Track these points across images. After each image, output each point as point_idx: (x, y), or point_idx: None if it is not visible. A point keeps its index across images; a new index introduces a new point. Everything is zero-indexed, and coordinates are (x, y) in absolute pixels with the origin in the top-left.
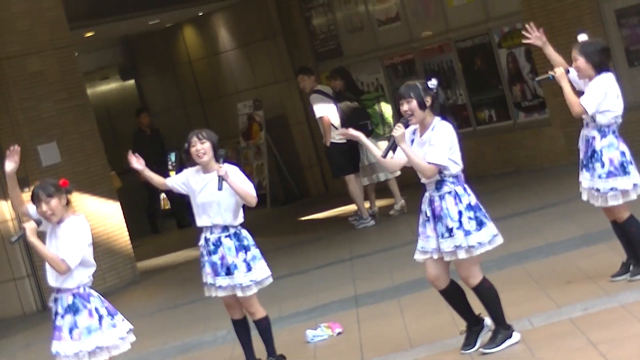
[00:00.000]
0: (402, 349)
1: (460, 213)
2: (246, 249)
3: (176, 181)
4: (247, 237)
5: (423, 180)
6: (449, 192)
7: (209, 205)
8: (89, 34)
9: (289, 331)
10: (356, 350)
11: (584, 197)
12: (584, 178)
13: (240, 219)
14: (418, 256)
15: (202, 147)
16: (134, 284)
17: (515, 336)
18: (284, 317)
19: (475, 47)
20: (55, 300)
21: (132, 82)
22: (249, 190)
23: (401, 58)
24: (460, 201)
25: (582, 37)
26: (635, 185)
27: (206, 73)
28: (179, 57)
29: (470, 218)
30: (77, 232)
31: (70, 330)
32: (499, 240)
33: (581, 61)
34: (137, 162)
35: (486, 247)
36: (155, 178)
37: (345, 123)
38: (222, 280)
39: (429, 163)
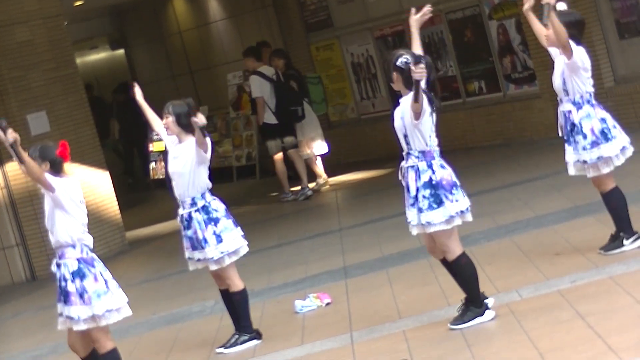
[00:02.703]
0: (391, 320)
1: (417, 189)
2: (215, 221)
3: (167, 139)
4: (218, 208)
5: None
6: (412, 166)
7: (173, 176)
8: (78, 3)
9: (277, 302)
10: (345, 321)
11: (571, 171)
12: (569, 152)
13: (205, 187)
14: (410, 229)
15: (165, 121)
16: (122, 254)
17: (488, 314)
18: (273, 287)
19: (466, 18)
20: (58, 265)
21: (121, 52)
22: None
23: (391, 29)
24: (419, 177)
25: (561, 6)
26: (623, 147)
27: (196, 43)
28: (169, 28)
29: (424, 196)
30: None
31: (81, 295)
32: (457, 221)
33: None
34: (138, 94)
35: (441, 227)
36: (150, 116)
37: (279, 105)
38: (199, 254)
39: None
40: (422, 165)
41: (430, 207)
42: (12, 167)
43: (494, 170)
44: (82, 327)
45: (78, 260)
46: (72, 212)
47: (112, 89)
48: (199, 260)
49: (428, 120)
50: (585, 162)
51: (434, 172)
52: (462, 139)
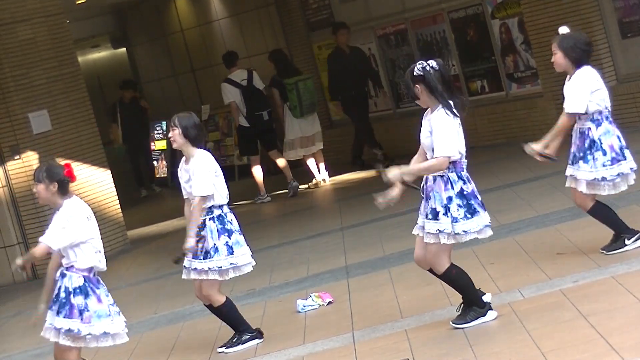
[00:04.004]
0: (393, 319)
1: (449, 199)
2: (229, 232)
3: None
4: (233, 221)
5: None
6: (441, 176)
7: (192, 198)
8: (80, 1)
9: (279, 301)
10: (346, 320)
11: (585, 189)
12: (582, 170)
13: (222, 198)
14: (414, 230)
15: (172, 134)
16: (124, 253)
17: (490, 315)
18: (274, 286)
19: (468, 17)
20: (63, 275)
21: (123, 50)
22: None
23: (394, 28)
24: (452, 187)
25: (563, 30)
26: (631, 169)
27: (198, 42)
28: (171, 26)
29: (459, 205)
30: (63, 216)
31: (81, 312)
32: (489, 232)
33: (559, 56)
34: None
35: (473, 236)
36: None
37: (248, 109)
38: (199, 263)
39: (439, 157)
40: (453, 175)
41: (465, 217)
42: (13, 166)
43: (496, 169)
44: (66, 342)
45: (84, 277)
46: (85, 237)
47: (118, 85)
48: (195, 269)
49: (459, 134)
50: (604, 179)
51: (464, 183)
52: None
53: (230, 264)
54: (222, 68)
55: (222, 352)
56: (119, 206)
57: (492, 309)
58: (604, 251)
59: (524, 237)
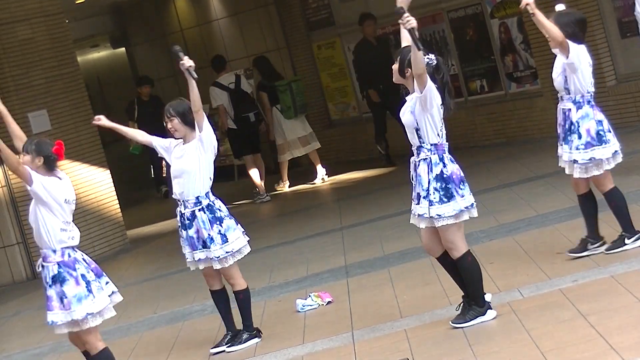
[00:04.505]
0: (392, 319)
1: (428, 182)
2: (220, 220)
3: (160, 143)
4: (221, 208)
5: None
6: (424, 159)
7: (177, 175)
8: (79, 1)
9: (279, 300)
10: (346, 320)
11: (567, 170)
12: (564, 151)
13: (209, 186)
14: (411, 220)
15: (171, 125)
16: (123, 253)
17: (490, 314)
18: (274, 286)
19: (468, 17)
20: (43, 267)
21: (122, 50)
22: (195, 95)
23: (393, 27)
24: (431, 170)
25: (560, 7)
26: (615, 152)
27: (197, 41)
28: (170, 25)
29: (435, 189)
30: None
31: (61, 300)
32: (465, 216)
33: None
34: (99, 121)
35: (449, 221)
36: (129, 132)
37: (236, 112)
38: (200, 254)
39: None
40: (435, 158)
41: (441, 201)
42: None
43: (496, 169)
44: (63, 331)
45: (58, 264)
46: (53, 209)
47: (136, 82)
48: (199, 260)
49: (438, 112)
50: (575, 161)
51: (445, 166)
52: (464, 137)
53: (226, 252)
54: None
55: (223, 350)
56: (118, 206)
57: (491, 309)
58: (603, 250)
59: (524, 237)
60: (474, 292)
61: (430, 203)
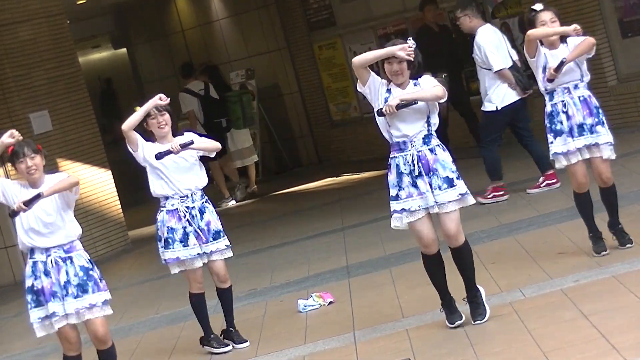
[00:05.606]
0: (394, 319)
1: (434, 170)
2: (218, 214)
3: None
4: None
5: (403, 139)
6: (438, 145)
7: (177, 172)
8: (80, 2)
9: (280, 301)
10: (348, 320)
11: (579, 157)
12: (584, 139)
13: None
14: (400, 222)
15: (162, 119)
16: (125, 253)
17: (480, 289)
18: (275, 286)
19: None
20: (64, 260)
21: (124, 50)
22: (211, 144)
23: (394, 28)
24: (438, 159)
25: (538, 7)
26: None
27: (198, 42)
28: (171, 26)
29: (441, 177)
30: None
31: (100, 280)
32: (460, 202)
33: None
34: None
35: (455, 205)
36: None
37: (206, 118)
38: (212, 246)
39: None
40: (439, 148)
41: (446, 186)
42: None
43: None
44: (99, 314)
45: (32, 263)
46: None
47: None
48: (211, 252)
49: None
50: (597, 145)
51: (444, 151)
52: (464, 137)
53: (226, 245)
54: (223, 68)
55: (230, 349)
56: (119, 206)
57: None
58: (619, 246)
59: (525, 237)
60: (473, 277)
61: (436, 189)
